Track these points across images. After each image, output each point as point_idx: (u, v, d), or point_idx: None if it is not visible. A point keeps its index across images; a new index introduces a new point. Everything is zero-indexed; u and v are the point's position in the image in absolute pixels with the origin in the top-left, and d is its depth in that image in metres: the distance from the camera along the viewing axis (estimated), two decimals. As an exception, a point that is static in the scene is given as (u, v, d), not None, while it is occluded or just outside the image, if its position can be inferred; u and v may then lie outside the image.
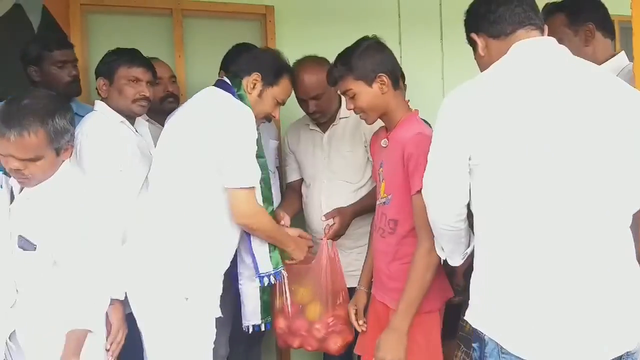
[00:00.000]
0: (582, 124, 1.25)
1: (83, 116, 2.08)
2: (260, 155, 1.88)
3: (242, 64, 1.93)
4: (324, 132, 2.31)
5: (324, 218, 2.12)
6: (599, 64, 1.67)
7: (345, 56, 1.75)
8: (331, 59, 1.90)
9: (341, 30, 2.94)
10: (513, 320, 1.27)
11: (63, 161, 1.67)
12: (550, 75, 1.30)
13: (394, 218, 1.73)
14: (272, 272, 1.90)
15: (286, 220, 2.09)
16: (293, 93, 2.13)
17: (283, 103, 1.99)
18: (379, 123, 1.87)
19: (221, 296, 1.91)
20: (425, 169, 1.43)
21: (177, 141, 1.85)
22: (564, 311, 1.23)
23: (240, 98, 1.85)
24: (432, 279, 1.61)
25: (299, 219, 2.38)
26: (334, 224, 2.09)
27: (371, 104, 1.73)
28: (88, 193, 1.69)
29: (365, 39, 1.77)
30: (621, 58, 1.84)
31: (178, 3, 2.79)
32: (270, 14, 2.91)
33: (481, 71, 1.45)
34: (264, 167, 1.90)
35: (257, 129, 1.88)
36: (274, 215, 1.99)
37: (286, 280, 1.99)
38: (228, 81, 1.89)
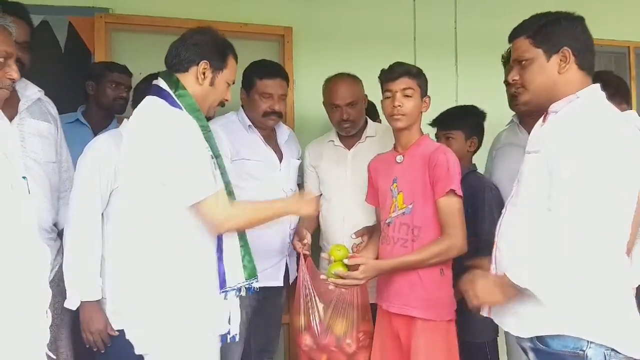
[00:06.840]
0: None
1: None
2: (217, 155, 1.72)
3: (183, 56, 1.72)
4: (349, 149, 2.36)
5: (354, 236, 2.13)
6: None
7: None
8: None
9: (357, 51, 3.02)
10: (621, 323, 1.39)
11: None
12: None
13: (418, 225, 1.86)
14: (245, 283, 1.70)
15: (307, 237, 2.15)
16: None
17: (233, 83, 1.84)
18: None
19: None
20: (455, 175, 1.77)
21: (128, 168, 1.71)
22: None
23: (180, 98, 1.67)
24: (432, 265, 1.82)
25: (315, 235, 2.41)
26: (361, 242, 2.10)
27: (416, 111, 1.93)
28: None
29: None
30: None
31: (199, 24, 2.86)
32: (289, 34, 3.00)
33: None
34: (222, 169, 1.74)
35: (209, 130, 1.73)
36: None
37: (315, 297, 2.01)
38: (163, 84, 1.70)
